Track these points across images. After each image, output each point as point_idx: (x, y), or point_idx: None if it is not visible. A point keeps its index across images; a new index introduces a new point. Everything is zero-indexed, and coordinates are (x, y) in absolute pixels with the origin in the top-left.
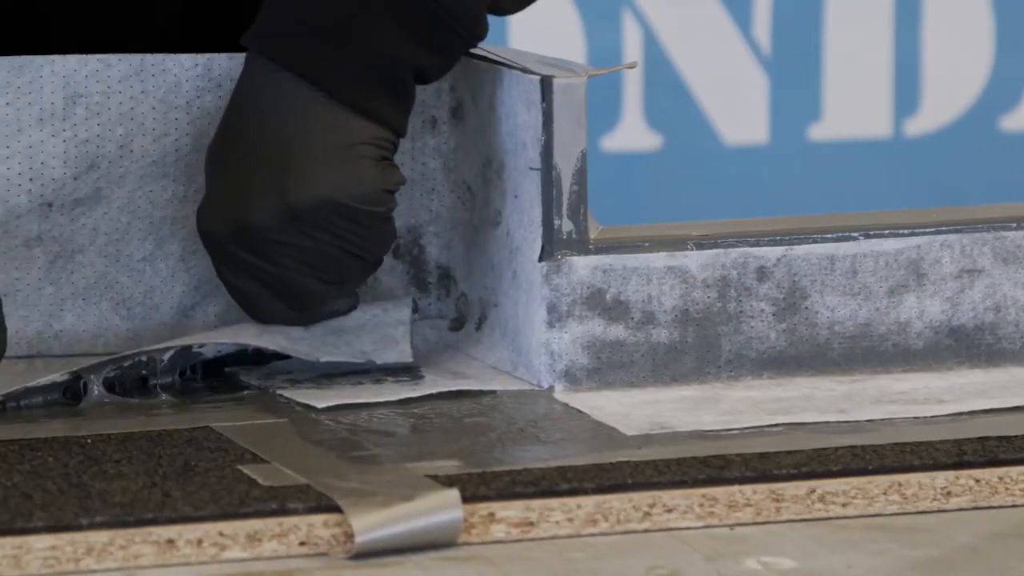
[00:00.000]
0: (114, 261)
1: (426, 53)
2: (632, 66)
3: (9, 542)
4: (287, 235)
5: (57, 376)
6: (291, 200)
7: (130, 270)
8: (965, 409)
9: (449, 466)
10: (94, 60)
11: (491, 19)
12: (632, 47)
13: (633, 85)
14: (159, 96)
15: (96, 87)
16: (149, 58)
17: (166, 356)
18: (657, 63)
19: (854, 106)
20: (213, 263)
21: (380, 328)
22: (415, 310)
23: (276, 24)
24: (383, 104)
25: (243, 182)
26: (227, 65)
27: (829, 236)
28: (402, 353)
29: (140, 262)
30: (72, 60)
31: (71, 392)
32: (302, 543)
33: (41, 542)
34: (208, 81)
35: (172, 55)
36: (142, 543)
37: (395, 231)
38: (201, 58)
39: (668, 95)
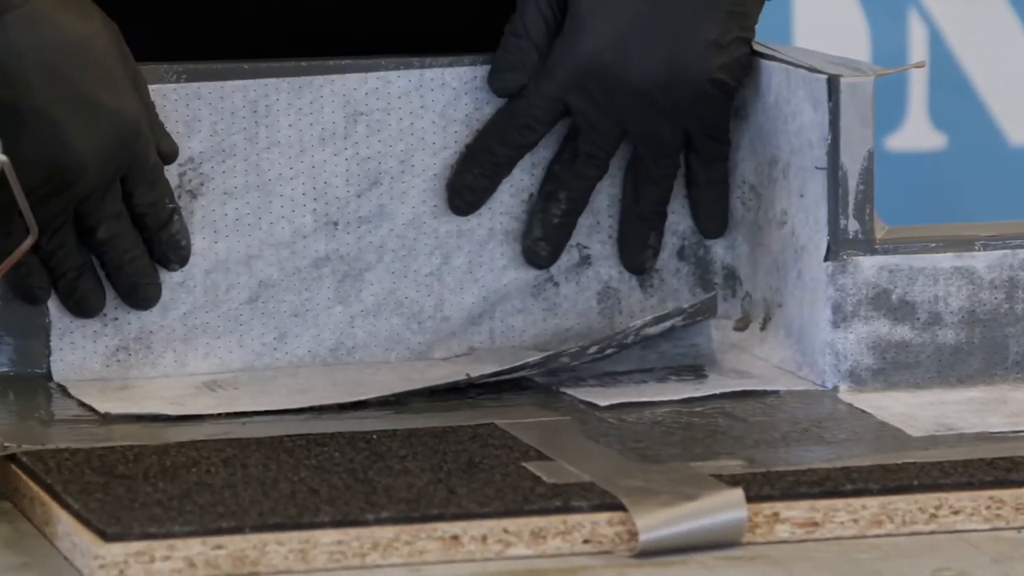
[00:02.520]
0: (402, 277)
1: None
2: (920, 66)
3: (296, 536)
4: None
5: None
6: None
7: (418, 285)
8: None
9: (733, 465)
10: (373, 78)
11: (775, 19)
12: (918, 46)
13: (918, 85)
14: (438, 110)
15: (376, 104)
16: (428, 73)
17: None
18: (943, 62)
19: None
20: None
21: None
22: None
23: None
24: None
25: None
26: None
27: None
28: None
29: (428, 276)
30: (352, 79)
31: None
32: (586, 541)
33: (327, 537)
34: (486, 92)
35: (451, 68)
36: (427, 539)
37: None
38: (480, 70)
39: (953, 95)
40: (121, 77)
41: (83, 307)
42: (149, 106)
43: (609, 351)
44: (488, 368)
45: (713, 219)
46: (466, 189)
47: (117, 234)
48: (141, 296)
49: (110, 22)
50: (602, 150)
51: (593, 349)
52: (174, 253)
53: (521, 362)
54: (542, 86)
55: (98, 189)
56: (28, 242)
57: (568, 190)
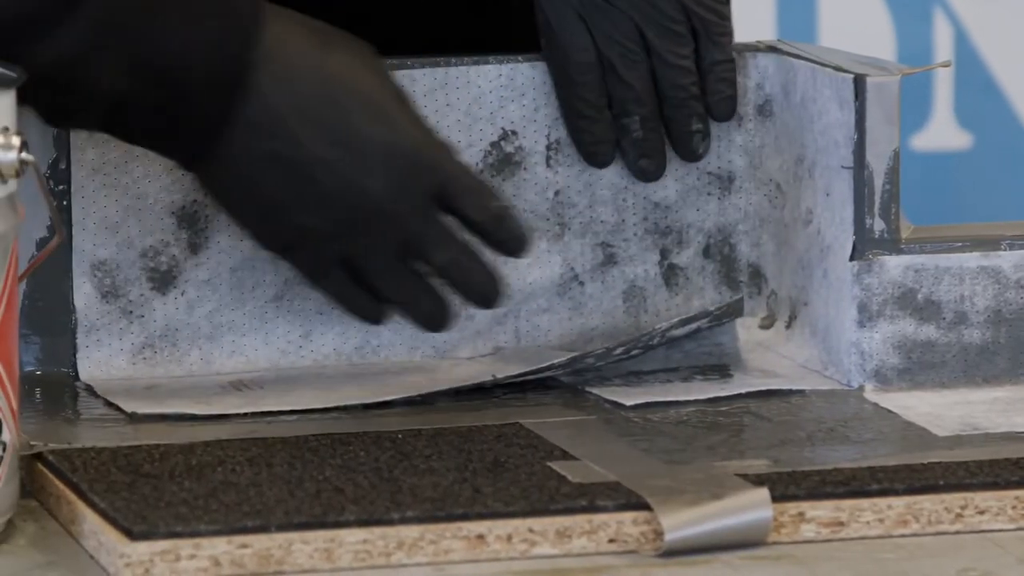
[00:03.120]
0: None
1: None
2: (946, 65)
3: (321, 535)
4: None
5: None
6: None
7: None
8: None
9: (758, 465)
10: (399, 76)
11: (800, 18)
12: (943, 46)
13: (944, 84)
14: (463, 108)
15: None
16: (453, 71)
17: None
18: (968, 62)
19: None
20: None
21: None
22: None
23: None
24: None
25: None
26: (530, 74)
27: None
28: (736, 306)
29: None
30: None
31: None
32: (611, 540)
33: (353, 536)
34: (511, 91)
35: (476, 66)
36: (452, 538)
37: None
38: (505, 68)
39: (979, 94)
40: (383, 98)
41: (435, 325)
42: (417, 120)
43: (635, 352)
44: (514, 369)
45: (723, 102)
46: (593, 148)
47: (453, 256)
48: (494, 302)
49: (355, 43)
50: (630, 40)
51: (619, 350)
52: (515, 244)
53: (547, 363)
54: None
55: (408, 217)
56: (54, 242)
57: (632, 103)
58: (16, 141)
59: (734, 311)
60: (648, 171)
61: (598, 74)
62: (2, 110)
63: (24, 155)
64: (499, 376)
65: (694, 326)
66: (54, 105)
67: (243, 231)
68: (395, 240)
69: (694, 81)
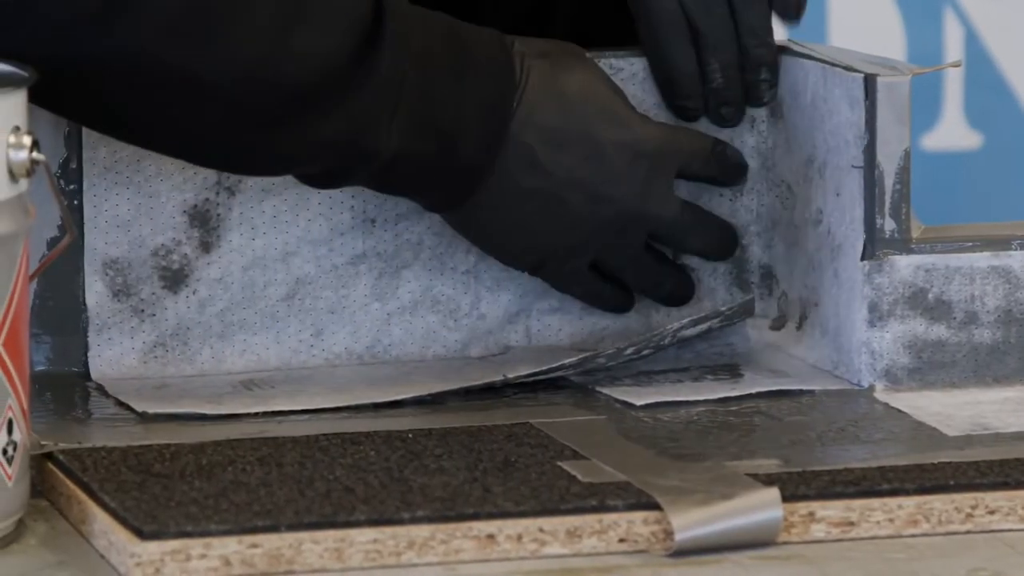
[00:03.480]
0: (438, 275)
1: None
2: (956, 65)
3: (331, 535)
4: None
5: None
6: None
7: (455, 282)
8: None
9: (769, 465)
10: None
11: (810, 18)
12: (953, 46)
13: (954, 84)
14: None
15: None
16: None
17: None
18: (978, 62)
19: None
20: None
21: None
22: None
23: None
24: None
25: None
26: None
27: None
28: (747, 306)
29: (464, 274)
30: None
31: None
32: (621, 540)
33: (363, 535)
34: None
35: None
36: (463, 538)
37: None
38: None
39: (989, 94)
40: (611, 101)
41: (679, 301)
42: (634, 111)
43: (646, 352)
44: (525, 369)
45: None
46: (682, 103)
47: (704, 240)
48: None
49: (571, 51)
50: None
51: (630, 350)
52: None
53: (558, 363)
54: None
55: (655, 212)
56: (65, 241)
57: (710, 51)
58: (27, 140)
59: (745, 311)
60: (728, 118)
61: (684, 27)
62: (13, 110)
63: (35, 154)
64: (510, 376)
65: (705, 326)
66: (331, 169)
67: (491, 255)
68: (642, 235)
69: (768, 29)
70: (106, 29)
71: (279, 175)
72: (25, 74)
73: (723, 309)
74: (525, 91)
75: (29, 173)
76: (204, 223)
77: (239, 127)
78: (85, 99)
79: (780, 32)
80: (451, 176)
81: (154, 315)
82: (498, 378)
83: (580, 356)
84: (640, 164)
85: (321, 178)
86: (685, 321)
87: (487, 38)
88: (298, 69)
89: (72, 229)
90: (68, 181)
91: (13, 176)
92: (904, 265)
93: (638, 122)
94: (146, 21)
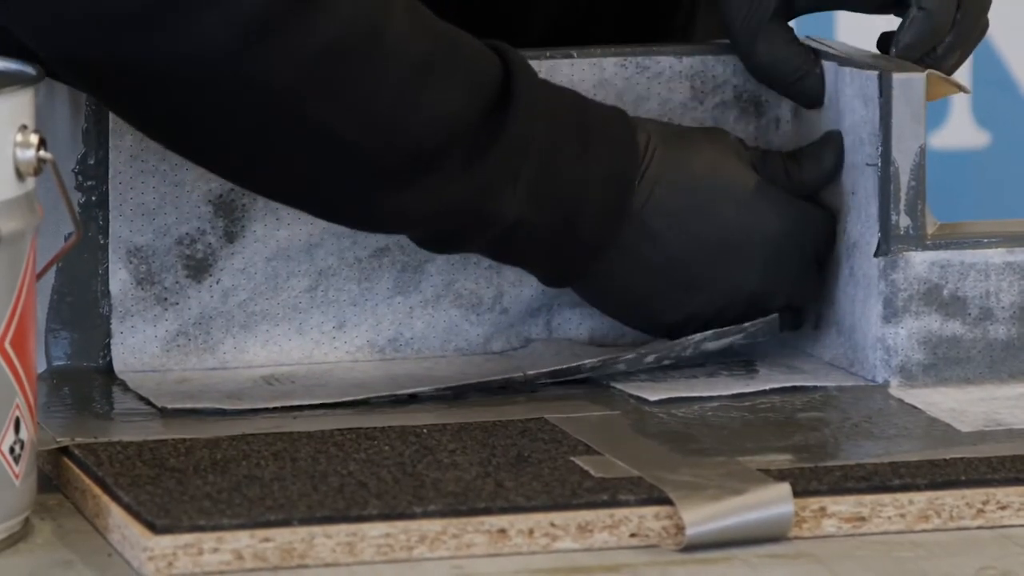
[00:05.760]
0: (461, 269)
1: None
2: (966, 91)
3: (344, 529)
4: None
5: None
6: None
7: (477, 277)
8: None
9: (781, 460)
10: None
11: (817, 17)
12: None
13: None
14: None
15: None
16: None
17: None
18: (986, 60)
19: None
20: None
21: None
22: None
23: None
24: None
25: None
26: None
27: None
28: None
29: (487, 268)
30: None
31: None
32: (633, 535)
33: (375, 530)
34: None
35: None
36: (474, 532)
37: None
38: (543, 64)
39: (997, 92)
40: (746, 186)
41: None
42: (777, 199)
43: (666, 362)
44: (544, 368)
45: None
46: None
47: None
48: None
49: (715, 136)
50: None
51: (651, 358)
52: None
53: (577, 363)
54: None
55: (779, 295)
56: (72, 240)
57: None
58: (34, 139)
59: (769, 330)
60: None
61: None
62: (21, 108)
63: (43, 153)
64: (529, 374)
65: (727, 341)
66: (448, 232)
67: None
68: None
69: None
70: (244, 56)
71: (390, 233)
72: (32, 73)
73: (746, 325)
74: (649, 167)
75: (36, 172)
76: (229, 213)
77: (357, 180)
78: (209, 132)
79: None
80: (570, 249)
81: (177, 304)
82: (517, 375)
83: (600, 359)
84: (767, 252)
85: (436, 242)
86: (708, 334)
87: (612, 112)
88: (425, 126)
89: (79, 229)
90: (86, 178)
91: (20, 175)
92: (919, 261)
93: (768, 211)
94: (283, 59)
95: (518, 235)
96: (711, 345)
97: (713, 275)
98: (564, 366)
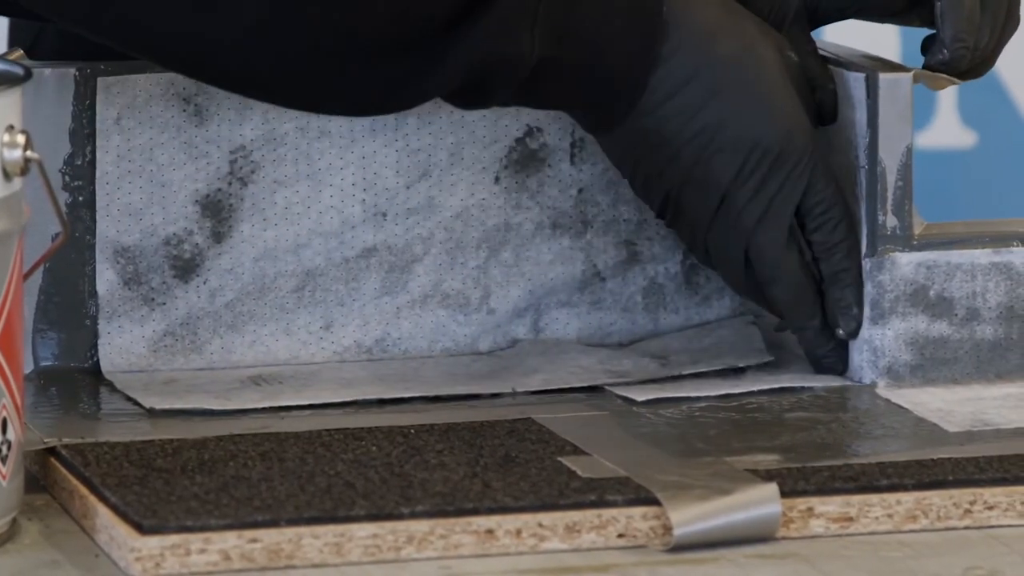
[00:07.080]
0: (448, 269)
1: None
2: (955, 83)
3: (331, 530)
4: None
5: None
6: None
7: (464, 277)
8: None
9: (769, 461)
10: None
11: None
12: None
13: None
14: None
15: None
16: None
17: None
18: None
19: None
20: None
21: (737, 334)
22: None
23: None
24: None
25: None
26: None
27: None
28: (760, 354)
29: (474, 269)
30: None
31: None
32: (620, 535)
33: (363, 530)
34: None
35: None
36: (462, 533)
37: None
38: None
39: (983, 93)
40: (765, 72)
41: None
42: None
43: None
44: (534, 383)
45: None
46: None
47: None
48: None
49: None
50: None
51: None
52: (843, 318)
53: (567, 385)
54: None
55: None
56: (59, 240)
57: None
58: (21, 139)
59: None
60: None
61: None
62: (7, 108)
63: (29, 153)
64: (519, 390)
65: (720, 366)
66: (476, 81)
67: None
68: (806, 161)
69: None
70: None
71: (409, 102)
72: (19, 72)
73: (741, 365)
74: (683, 20)
75: (23, 172)
76: (216, 213)
77: (375, 41)
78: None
79: None
80: (602, 89)
81: (164, 304)
82: (507, 390)
83: (591, 383)
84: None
85: (463, 95)
86: (700, 368)
87: None
88: None
89: (67, 228)
90: (73, 178)
91: (7, 175)
92: (905, 262)
93: (781, 106)
94: None
95: (545, 77)
96: (705, 368)
97: (737, 126)
98: (554, 387)
